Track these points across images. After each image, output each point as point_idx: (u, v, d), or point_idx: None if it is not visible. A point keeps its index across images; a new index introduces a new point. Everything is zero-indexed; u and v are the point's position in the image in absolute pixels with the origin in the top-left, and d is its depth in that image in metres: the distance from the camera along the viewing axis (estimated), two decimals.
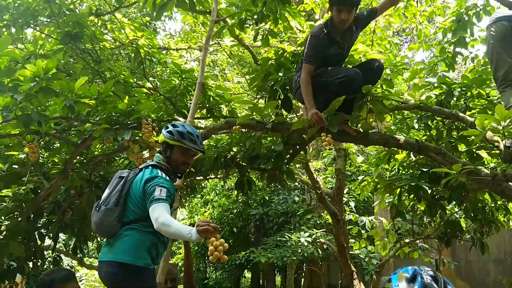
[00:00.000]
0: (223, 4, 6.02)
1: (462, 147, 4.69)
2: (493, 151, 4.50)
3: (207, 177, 5.48)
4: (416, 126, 4.86)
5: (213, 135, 4.82)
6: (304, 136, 4.08)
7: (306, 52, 3.62)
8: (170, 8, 4.17)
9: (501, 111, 2.54)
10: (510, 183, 3.09)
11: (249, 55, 6.18)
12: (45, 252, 5.31)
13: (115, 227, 2.87)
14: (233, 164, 4.86)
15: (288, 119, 5.71)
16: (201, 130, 4.58)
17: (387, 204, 6.03)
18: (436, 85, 4.59)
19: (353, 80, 3.39)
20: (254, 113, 3.94)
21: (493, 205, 5.25)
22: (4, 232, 3.85)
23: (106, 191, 3.03)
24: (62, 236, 5.86)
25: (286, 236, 9.57)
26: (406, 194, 4.91)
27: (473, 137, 4.29)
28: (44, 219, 5.18)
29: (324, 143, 3.45)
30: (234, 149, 4.91)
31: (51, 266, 5.40)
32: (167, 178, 2.91)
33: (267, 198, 11.36)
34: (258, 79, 4.34)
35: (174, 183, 3.06)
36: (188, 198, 11.95)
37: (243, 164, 4.79)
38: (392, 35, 8.49)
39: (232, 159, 4.87)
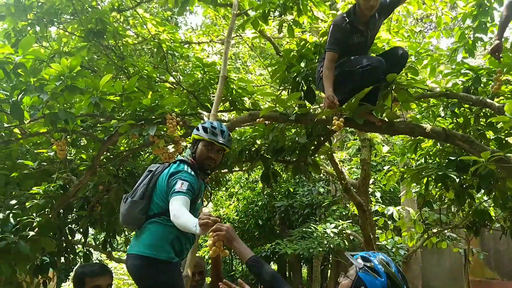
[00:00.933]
0: None
1: (490, 135, 4.60)
2: None
3: (232, 170, 5.48)
4: (442, 114, 4.79)
5: (237, 128, 4.83)
6: (328, 127, 4.06)
7: (329, 40, 3.60)
8: (193, 2, 4.17)
9: None
10: None
11: (271, 47, 6.15)
12: (76, 247, 5.42)
13: (140, 220, 2.93)
14: (257, 157, 4.87)
15: (311, 110, 5.69)
16: (225, 123, 4.60)
17: (413, 194, 5.96)
18: (462, 71, 4.51)
19: (377, 68, 3.35)
20: (277, 105, 3.93)
21: None
22: (36, 229, 3.93)
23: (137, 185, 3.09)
24: (91, 230, 5.96)
25: (312, 228, 9.55)
26: (434, 183, 4.85)
27: (501, 124, 4.24)
28: (74, 215, 5.28)
29: (334, 127, 3.42)
30: (258, 142, 4.92)
31: (82, 261, 5.50)
32: (192, 172, 2.93)
33: (291, 190, 11.34)
34: (281, 71, 4.33)
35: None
36: (213, 191, 12.04)
37: (268, 156, 4.80)
38: (414, 23, 8.35)
39: (257, 152, 4.88)
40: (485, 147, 3.31)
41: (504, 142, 4.43)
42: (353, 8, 3.64)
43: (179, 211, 2.61)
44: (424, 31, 11.12)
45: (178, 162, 3.03)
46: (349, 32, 3.56)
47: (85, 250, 5.45)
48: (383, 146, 7.18)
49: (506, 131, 4.29)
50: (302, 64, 4.16)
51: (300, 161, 4.79)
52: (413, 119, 5.11)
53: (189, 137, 3.75)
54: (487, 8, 5.46)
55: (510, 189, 4.80)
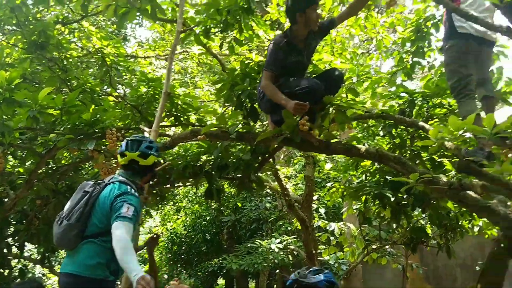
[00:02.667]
0: (191, 12, 6.05)
1: (425, 155, 4.81)
2: (454, 160, 4.64)
3: (175, 185, 5.47)
4: (382, 133, 4.97)
5: (181, 144, 4.84)
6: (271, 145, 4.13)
7: (267, 60, 3.69)
8: (132, 17, 4.16)
9: (454, 122, 2.63)
10: (467, 192, 3.19)
11: (218, 63, 6.21)
12: (14, 261, 5.26)
13: (76, 242, 2.87)
14: (201, 173, 4.88)
15: (257, 128, 5.77)
16: (167, 139, 4.60)
17: (354, 210, 6.12)
18: (398, 94, 4.70)
19: (314, 90, 3.44)
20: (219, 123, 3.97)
21: (457, 211, 5.39)
22: None
23: (69, 204, 3.01)
24: (31, 245, 5.80)
25: (258, 243, 9.60)
26: (372, 201, 5.01)
27: None
28: (11, 229, 5.11)
29: (301, 126, 3.48)
30: (204, 158, 4.94)
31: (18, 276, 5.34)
32: (136, 194, 2.93)
33: (239, 204, 11.38)
34: (225, 89, 4.38)
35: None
36: (160, 206, 11.89)
37: (212, 172, 4.82)
38: (359, 44, 8.64)
39: (201, 168, 4.89)
40: (415, 168, 3.46)
41: (437, 163, 4.65)
42: (290, 28, 3.75)
43: (126, 244, 2.61)
44: (370, 52, 11.52)
45: (118, 183, 2.99)
46: (287, 50, 3.65)
47: (21, 265, 5.28)
48: (326, 163, 7.35)
49: (439, 153, 4.49)
50: (246, 84, 4.23)
51: (244, 178, 4.83)
52: (354, 138, 5.29)
53: None
54: (424, 34, 5.74)
55: (444, 208, 5.04)
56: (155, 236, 3.50)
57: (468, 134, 2.75)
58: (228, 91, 4.35)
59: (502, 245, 3.73)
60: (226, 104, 4.68)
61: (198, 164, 4.91)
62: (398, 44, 6.13)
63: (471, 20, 3.11)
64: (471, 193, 3.11)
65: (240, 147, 4.74)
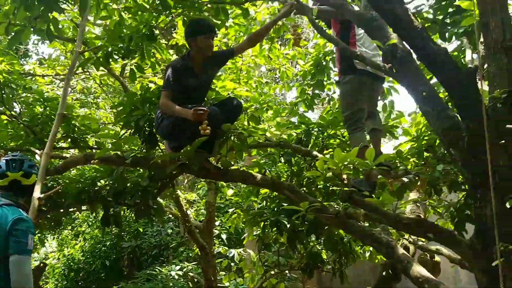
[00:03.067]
0: (97, 30, 5.91)
1: (320, 183, 5.03)
2: (345, 188, 4.88)
3: (69, 211, 5.22)
4: (283, 161, 5.14)
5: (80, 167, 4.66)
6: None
7: (164, 81, 3.71)
8: (27, 36, 3.99)
9: (339, 154, 2.78)
10: (353, 220, 3.36)
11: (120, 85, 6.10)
12: None
13: None
14: (98, 198, 4.72)
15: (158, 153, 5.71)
16: (59, 163, 4.41)
17: (254, 236, 6.20)
18: (296, 124, 4.91)
19: (212, 117, 3.48)
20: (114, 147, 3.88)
21: (350, 237, 5.64)
22: None
23: None
24: None
25: (157, 270, 9.37)
26: (269, 227, 5.12)
27: None
28: None
29: (202, 131, 3.46)
30: (102, 182, 4.79)
31: None
32: (29, 219, 2.79)
33: (141, 230, 11.07)
34: (124, 113, 4.30)
35: None
36: (56, 230, 11.24)
37: (109, 199, 4.67)
38: (264, 74, 8.90)
39: (97, 194, 4.73)
40: (307, 196, 3.60)
41: (330, 191, 4.87)
42: (188, 52, 3.80)
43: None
44: (277, 82, 11.89)
45: (7, 206, 2.81)
46: (184, 74, 3.68)
47: None
48: (229, 189, 7.41)
49: (332, 182, 4.70)
50: (146, 108, 4.18)
51: (142, 204, 4.73)
52: (257, 165, 5.39)
53: None
54: (323, 68, 6.04)
55: (336, 235, 5.26)
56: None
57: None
58: (127, 115, 4.27)
59: (388, 270, 3.99)
60: (124, 130, 4.57)
61: (94, 189, 4.75)
62: (300, 76, 6.39)
63: (358, 60, 3.33)
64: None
65: (140, 172, 4.65)
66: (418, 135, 4.54)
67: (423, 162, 4.41)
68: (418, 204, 5.26)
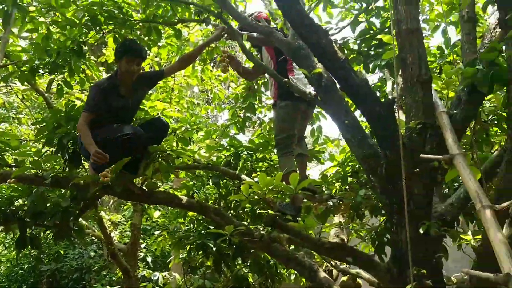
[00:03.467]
0: (22, 42, 5.67)
1: (248, 206, 5.05)
2: (270, 212, 4.94)
3: None
4: (211, 183, 5.11)
5: None
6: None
7: (86, 101, 3.62)
8: None
9: (263, 178, 2.81)
10: (277, 244, 3.40)
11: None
12: None
13: None
14: (14, 219, 4.46)
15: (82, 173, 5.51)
16: None
17: (180, 259, 6.10)
18: (226, 146, 4.92)
19: (136, 138, 3.42)
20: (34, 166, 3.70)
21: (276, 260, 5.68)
22: None
23: None
24: None
25: None
26: (195, 250, 5.06)
27: None
28: None
29: (102, 178, 3.38)
30: (20, 201, 4.54)
31: None
32: None
33: (62, 252, 10.55)
34: (47, 130, 4.12)
35: None
36: None
37: (26, 219, 4.43)
38: (197, 95, 8.89)
39: (14, 214, 4.47)
40: (232, 220, 3.61)
41: (257, 214, 4.90)
42: (115, 72, 3.73)
43: None
44: (209, 103, 11.90)
45: None
46: (110, 94, 3.60)
47: None
48: (155, 210, 7.25)
49: (259, 204, 4.74)
50: (70, 126, 4.04)
51: (62, 226, 4.52)
52: (185, 186, 5.33)
53: None
54: (255, 91, 6.12)
55: (262, 258, 5.29)
56: None
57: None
58: (50, 133, 4.10)
59: None
60: (44, 148, 4.37)
61: (11, 209, 4.49)
62: (232, 99, 6.44)
63: (285, 86, 3.39)
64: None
65: (61, 192, 4.46)
66: (343, 160, 4.68)
67: (347, 187, 4.55)
68: (341, 227, 5.40)
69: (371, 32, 4.08)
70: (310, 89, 3.70)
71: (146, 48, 3.83)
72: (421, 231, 2.68)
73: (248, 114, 6.27)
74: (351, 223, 5.51)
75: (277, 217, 2.90)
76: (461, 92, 2.90)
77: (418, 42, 2.90)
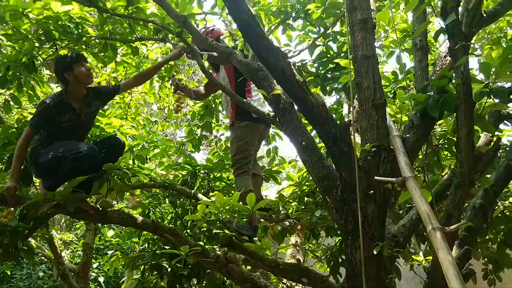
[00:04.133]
0: None
1: (205, 225, 5.01)
2: (227, 232, 4.91)
3: None
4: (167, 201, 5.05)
5: None
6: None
7: (32, 116, 3.51)
8: None
9: (220, 199, 2.81)
10: (232, 265, 3.37)
11: None
12: None
13: None
14: None
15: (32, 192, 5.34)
16: None
17: (134, 280, 5.95)
18: (182, 165, 4.88)
19: (89, 156, 3.33)
20: None
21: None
22: None
23: None
24: None
25: None
26: (149, 271, 4.95)
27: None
28: None
29: (3, 218, 3.32)
30: None
31: None
32: None
33: (8, 272, 10.10)
34: None
35: None
36: None
37: None
38: (154, 112, 8.81)
39: None
40: (188, 240, 3.56)
41: (213, 233, 4.86)
42: (64, 88, 3.63)
43: None
44: (167, 120, 11.81)
45: None
46: (60, 109, 3.48)
47: None
48: (109, 230, 7.08)
49: (215, 225, 4.71)
50: None
51: (10, 246, 4.34)
52: (141, 205, 5.23)
53: None
54: (213, 110, 6.12)
55: (218, 278, 5.23)
56: None
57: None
58: None
59: None
60: None
61: None
62: (189, 116, 6.41)
63: (243, 107, 3.42)
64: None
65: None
66: (300, 180, 4.73)
67: (303, 207, 4.59)
68: (297, 248, 5.42)
69: (328, 55, 4.18)
70: (267, 110, 3.74)
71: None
72: (374, 252, 2.72)
73: (205, 133, 6.27)
74: (307, 243, 5.57)
75: (233, 238, 2.89)
76: (414, 117, 3.00)
77: (373, 67, 2.99)
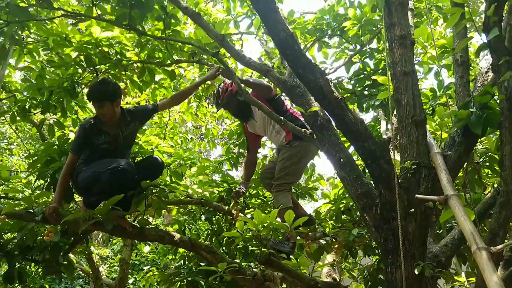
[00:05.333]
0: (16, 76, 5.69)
1: (240, 243, 5.00)
2: (263, 249, 4.89)
3: None
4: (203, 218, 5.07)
5: None
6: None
7: (72, 142, 3.61)
8: None
9: (259, 215, 2.80)
10: (270, 283, 3.35)
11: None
12: None
13: None
14: (2, 253, 4.38)
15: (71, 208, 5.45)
16: None
17: None
18: (218, 182, 4.91)
19: (125, 171, 3.37)
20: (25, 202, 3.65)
21: None
22: None
23: None
24: None
25: None
26: (185, 287, 4.97)
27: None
28: None
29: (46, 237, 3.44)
30: (9, 235, 4.46)
31: None
32: None
33: (47, 287, 10.31)
34: (40, 163, 4.09)
35: None
36: None
37: (15, 253, 4.34)
38: (190, 131, 8.91)
39: (1, 248, 4.39)
40: (224, 258, 3.56)
41: (249, 251, 4.85)
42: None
43: None
44: (202, 138, 11.92)
45: None
46: (95, 133, 3.55)
47: None
48: (145, 246, 7.16)
49: (251, 242, 4.69)
50: (63, 160, 4.00)
51: (51, 261, 4.44)
52: (177, 222, 5.28)
53: None
54: None
55: None
56: None
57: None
58: (42, 166, 4.07)
59: None
60: (37, 182, 4.33)
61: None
62: (226, 135, 6.45)
63: (281, 124, 3.41)
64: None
65: (51, 226, 4.39)
66: (336, 198, 4.68)
67: (340, 225, 4.53)
68: (334, 267, 5.34)
69: (365, 72, 4.16)
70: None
71: (115, 87, 3.73)
72: (416, 271, 2.66)
73: (242, 151, 6.28)
74: (344, 262, 5.47)
75: (271, 255, 2.87)
76: (455, 134, 2.93)
77: (413, 83, 2.96)
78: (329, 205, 4.75)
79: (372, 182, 2.97)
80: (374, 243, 4.24)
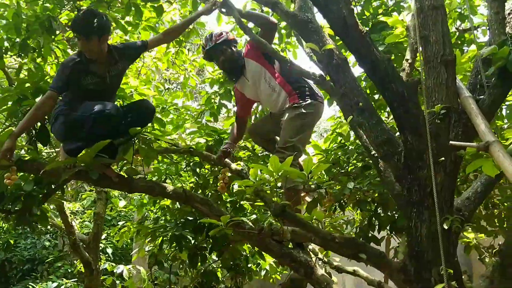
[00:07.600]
0: None
1: (226, 197, 4.71)
2: (256, 203, 4.62)
3: None
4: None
5: None
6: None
7: (53, 79, 3.19)
8: None
9: (275, 162, 2.48)
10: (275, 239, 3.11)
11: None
12: None
13: None
14: None
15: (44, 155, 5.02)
16: None
17: (146, 252, 5.68)
18: (207, 132, 4.55)
19: (111, 116, 2.98)
20: None
21: (248, 254, 5.37)
22: None
23: None
24: None
25: (31, 286, 8.33)
26: (168, 242, 4.67)
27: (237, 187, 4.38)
28: None
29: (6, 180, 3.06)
30: None
31: None
32: None
33: (12, 242, 9.84)
34: (10, 101, 3.62)
35: None
36: None
37: None
38: (161, 80, 8.40)
39: None
40: (222, 210, 3.28)
41: (238, 205, 4.57)
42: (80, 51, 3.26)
43: None
44: (172, 89, 11.40)
45: None
46: (79, 72, 3.15)
47: None
48: (120, 200, 6.77)
49: (244, 195, 4.41)
50: (38, 99, 3.55)
51: (24, 211, 4.03)
52: (157, 172, 4.90)
53: None
54: None
55: (239, 252, 4.95)
56: None
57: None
58: (13, 105, 3.60)
59: None
60: (7, 123, 3.88)
61: None
62: (207, 84, 6.02)
63: (294, 68, 3.03)
64: None
65: (23, 174, 3.97)
66: (327, 148, 4.44)
67: (330, 178, 4.27)
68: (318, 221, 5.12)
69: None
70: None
71: (103, 20, 3.26)
72: (445, 226, 2.42)
73: (224, 101, 5.87)
74: (332, 216, 5.27)
75: (286, 207, 2.58)
76: (484, 77, 2.66)
77: (442, 19, 2.65)
78: (320, 156, 4.49)
79: (397, 128, 2.69)
80: (375, 196, 4.02)
